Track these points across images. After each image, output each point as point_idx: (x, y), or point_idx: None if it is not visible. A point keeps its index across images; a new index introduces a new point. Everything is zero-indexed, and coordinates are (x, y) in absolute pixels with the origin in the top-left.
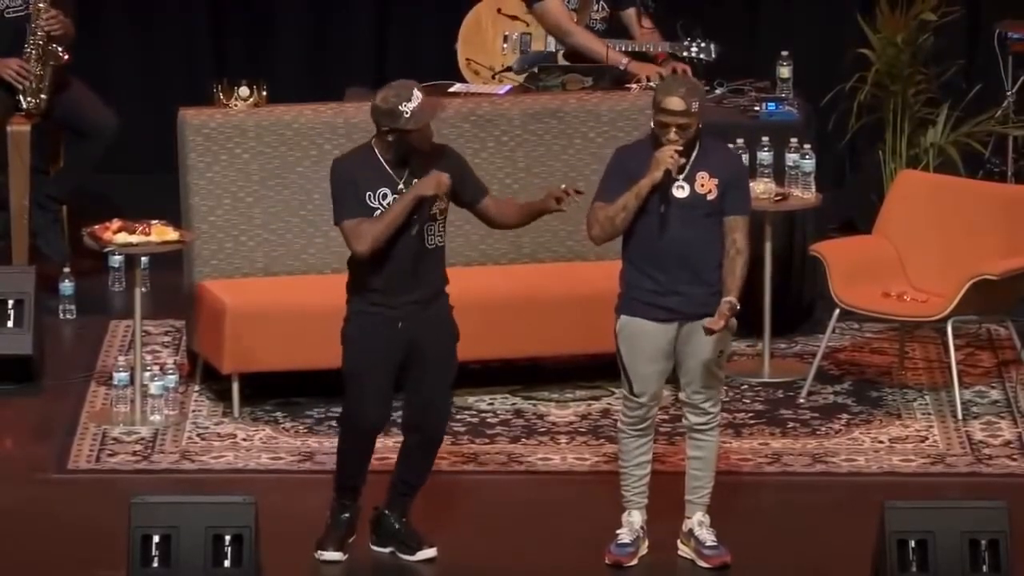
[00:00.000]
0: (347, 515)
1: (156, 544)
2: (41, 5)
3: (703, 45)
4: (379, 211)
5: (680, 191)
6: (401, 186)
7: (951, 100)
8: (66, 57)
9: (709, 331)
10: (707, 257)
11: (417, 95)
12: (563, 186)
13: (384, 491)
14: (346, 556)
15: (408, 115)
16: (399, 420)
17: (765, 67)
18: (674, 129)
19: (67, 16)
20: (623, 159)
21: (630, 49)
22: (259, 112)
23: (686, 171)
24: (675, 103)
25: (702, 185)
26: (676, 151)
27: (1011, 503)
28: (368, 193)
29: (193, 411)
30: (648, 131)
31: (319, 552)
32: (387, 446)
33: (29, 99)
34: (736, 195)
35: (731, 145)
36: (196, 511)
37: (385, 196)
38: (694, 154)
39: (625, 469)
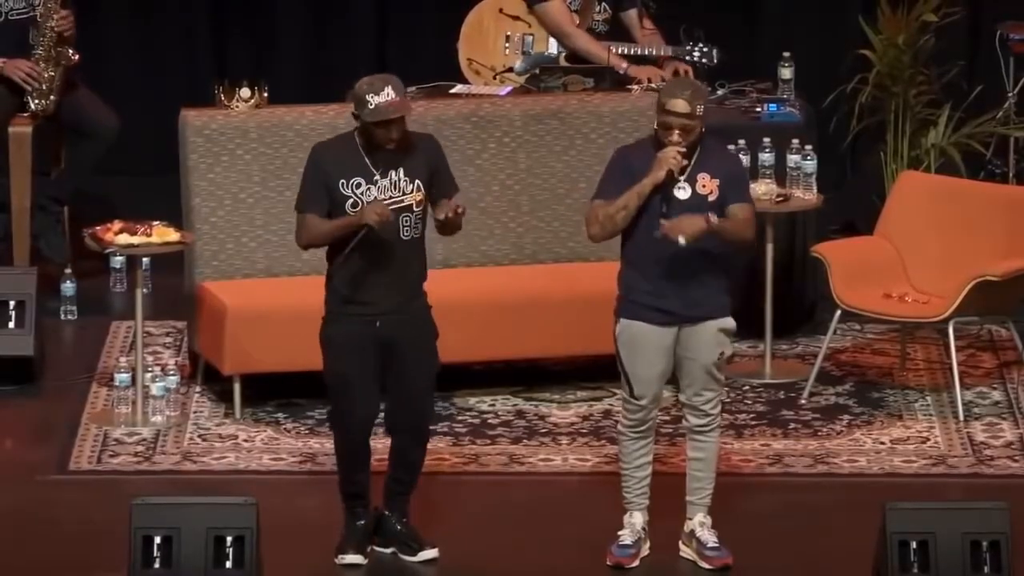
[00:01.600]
0: (362, 522)
1: (157, 545)
2: (51, 4)
3: (705, 50)
4: (351, 200)
5: (682, 192)
6: (377, 176)
7: (952, 101)
8: (76, 58)
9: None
10: (707, 259)
11: (388, 92)
12: (455, 204)
13: (382, 492)
14: (367, 560)
15: (372, 107)
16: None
17: (766, 68)
18: (677, 131)
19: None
20: (624, 158)
21: (632, 52)
22: (260, 113)
23: (688, 172)
24: (680, 105)
25: (703, 186)
26: (679, 152)
27: (1012, 504)
28: (342, 181)
29: (194, 412)
30: (650, 132)
31: (340, 556)
32: (388, 447)
33: (38, 101)
34: (736, 190)
35: (732, 146)
36: (197, 512)
37: (359, 185)
38: (696, 156)
39: (626, 471)
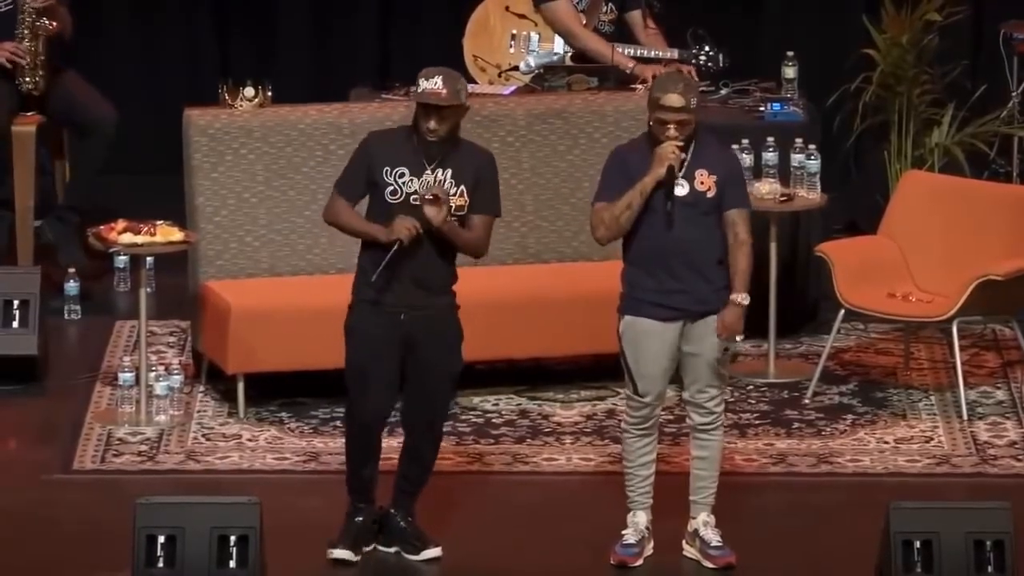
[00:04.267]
0: (360, 518)
1: (161, 545)
2: None
3: (711, 54)
4: (391, 187)
5: (680, 189)
6: (427, 172)
7: (956, 101)
8: (54, 26)
9: (720, 335)
10: (709, 255)
11: (437, 81)
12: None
13: (390, 491)
14: (358, 558)
15: (419, 90)
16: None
17: (770, 67)
18: (673, 126)
19: (61, 7)
20: (620, 158)
21: (638, 54)
22: (264, 112)
23: (685, 169)
24: (674, 100)
25: (701, 183)
26: (677, 147)
27: (1016, 504)
28: (386, 168)
29: (198, 412)
30: (643, 130)
31: (330, 550)
32: (394, 447)
33: (27, 79)
34: (734, 190)
35: (736, 146)
36: (201, 512)
37: (403, 175)
38: (691, 151)
39: (629, 470)
